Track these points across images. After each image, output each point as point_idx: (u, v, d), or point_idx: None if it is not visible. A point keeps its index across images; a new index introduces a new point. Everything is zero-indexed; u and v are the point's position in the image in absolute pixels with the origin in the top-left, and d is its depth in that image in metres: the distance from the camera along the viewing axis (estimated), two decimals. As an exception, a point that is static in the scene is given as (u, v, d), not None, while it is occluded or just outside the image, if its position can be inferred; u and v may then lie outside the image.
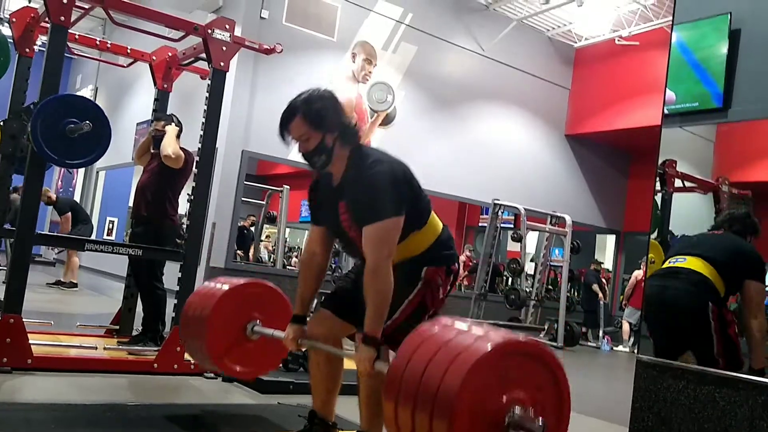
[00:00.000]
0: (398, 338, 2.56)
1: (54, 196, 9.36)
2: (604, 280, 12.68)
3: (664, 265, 3.46)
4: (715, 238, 3.45)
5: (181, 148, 4.80)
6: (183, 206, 5.11)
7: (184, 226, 4.74)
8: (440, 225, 2.69)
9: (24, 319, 3.85)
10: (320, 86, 2.63)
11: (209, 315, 2.96)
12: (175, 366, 4.22)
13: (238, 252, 10.66)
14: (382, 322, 2.41)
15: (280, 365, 4.30)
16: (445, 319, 2.05)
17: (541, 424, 1.80)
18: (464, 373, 1.78)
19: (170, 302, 4.46)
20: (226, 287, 3.06)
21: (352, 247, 2.63)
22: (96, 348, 4.37)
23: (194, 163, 4.74)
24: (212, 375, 4.28)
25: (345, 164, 2.57)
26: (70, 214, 9.16)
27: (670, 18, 3.98)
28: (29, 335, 3.88)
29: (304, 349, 2.83)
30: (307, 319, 2.75)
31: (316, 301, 3.07)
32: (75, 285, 9.34)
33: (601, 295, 11.94)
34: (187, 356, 4.28)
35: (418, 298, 2.56)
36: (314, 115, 2.51)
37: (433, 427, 1.79)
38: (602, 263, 13.27)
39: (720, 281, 3.24)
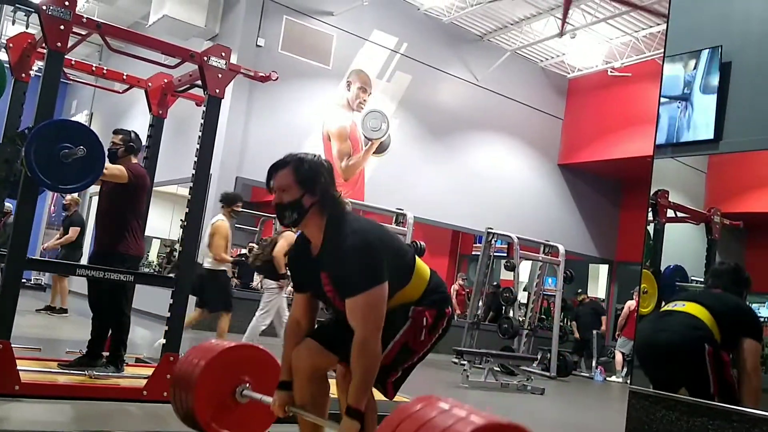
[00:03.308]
0: (384, 379, 2.55)
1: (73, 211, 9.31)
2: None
3: (662, 308, 3.47)
4: (715, 293, 3.46)
5: (134, 164, 4.70)
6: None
7: (176, 252, 4.66)
8: (428, 272, 2.70)
9: (12, 345, 3.81)
10: (321, 156, 2.67)
11: (198, 380, 2.94)
12: (165, 393, 4.16)
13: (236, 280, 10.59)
14: (367, 395, 2.42)
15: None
16: (426, 398, 1.99)
17: None
18: None
19: (161, 328, 4.42)
20: (215, 352, 3.05)
21: (339, 313, 2.61)
22: (85, 374, 4.33)
23: (145, 179, 4.69)
24: (202, 403, 4.23)
25: (322, 233, 2.58)
26: (79, 229, 9.14)
27: (662, 50, 4.03)
28: (17, 361, 3.84)
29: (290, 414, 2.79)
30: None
31: None
32: (65, 311, 9.25)
33: (576, 334, 11.79)
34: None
35: (403, 339, 2.56)
36: (302, 172, 2.55)
37: None
38: (579, 291, 12.99)
39: (717, 329, 3.24)
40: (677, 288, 3.77)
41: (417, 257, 2.72)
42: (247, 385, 3.01)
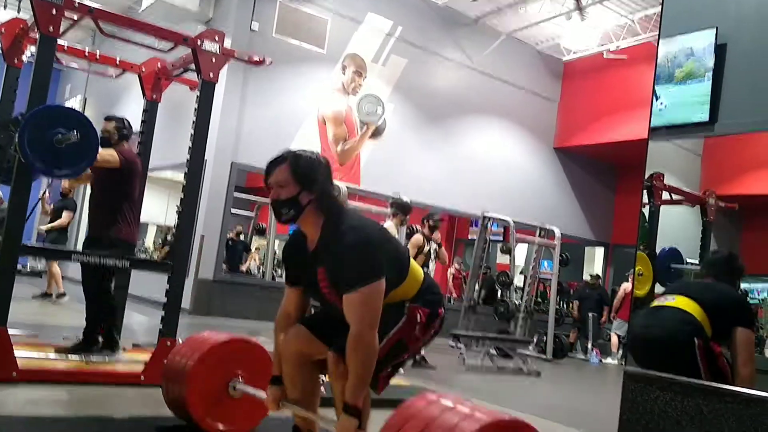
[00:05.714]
0: (376, 373, 2.55)
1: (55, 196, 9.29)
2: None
3: (653, 304, 3.46)
4: (705, 284, 3.44)
5: (126, 149, 4.65)
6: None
7: (170, 237, 4.65)
8: (421, 273, 2.71)
9: (9, 331, 3.81)
10: (318, 153, 2.67)
11: (190, 374, 2.94)
12: (162, 378, 4.18)
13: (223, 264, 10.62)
14: (364, 392, 2.42)
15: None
16: (429, 395, 2.01)
17: None
18: None
19: (158, 314, 4.43)
20: (208, 345, 3.05)
21: (332, 308, 2.60)
22: (81, 360, 4.34)
23: (137, 164, 4.66)
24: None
25: (320, 230, 2.56)
26: (72, 214, 9.14)
27: (657, 32, 4.02)
28: (15, 347, 3.84)
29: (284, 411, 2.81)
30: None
31: None
32: (64, 294, 9.24)
33: (576, 313, 11.89)
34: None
35: (398, 336, 2.57)
36: (300, 169, 2.53)
37: None
38: (596, 275, 12.99)
39: (707, 322, 3.21)
40: (672, 270, 3.77)
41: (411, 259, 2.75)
42: (240, 378, 3.01)
